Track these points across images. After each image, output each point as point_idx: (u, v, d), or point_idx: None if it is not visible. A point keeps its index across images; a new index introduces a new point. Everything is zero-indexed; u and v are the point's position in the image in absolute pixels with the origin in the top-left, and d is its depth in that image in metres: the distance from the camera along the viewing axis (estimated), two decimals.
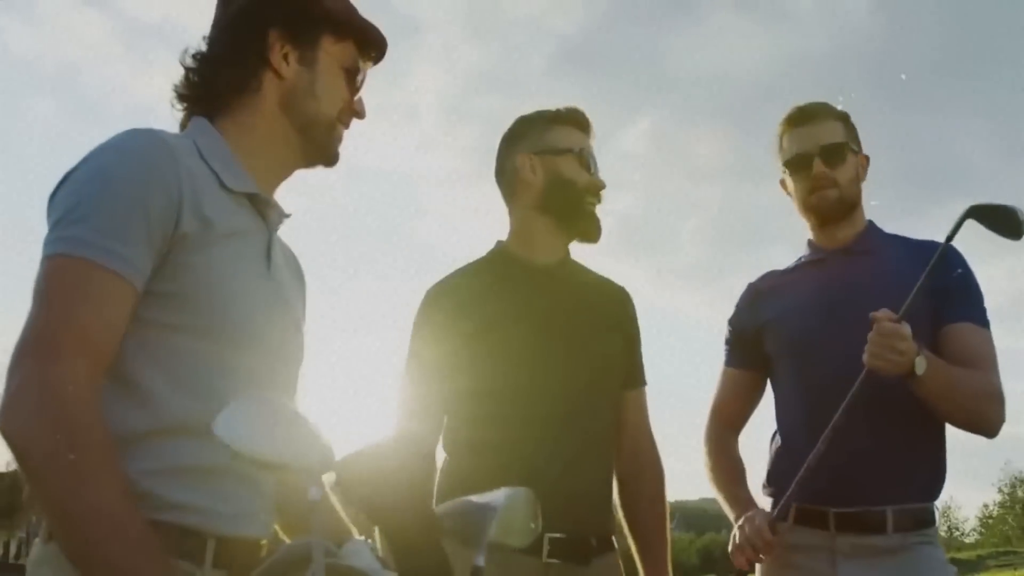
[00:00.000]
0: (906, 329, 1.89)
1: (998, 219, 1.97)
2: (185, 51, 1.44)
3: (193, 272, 1.25)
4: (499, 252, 2.15)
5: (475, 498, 1.00)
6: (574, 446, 1.95)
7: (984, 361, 2.05)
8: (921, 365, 1.90)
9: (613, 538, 2.06)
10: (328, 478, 0.92)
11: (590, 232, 2.10)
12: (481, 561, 0.93)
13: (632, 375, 2.16)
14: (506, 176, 2.14)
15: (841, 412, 1.95)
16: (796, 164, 2.19)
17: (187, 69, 1.44)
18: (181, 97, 1.45)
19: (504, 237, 2.17)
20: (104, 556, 1.07)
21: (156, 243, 1.21)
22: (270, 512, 1.38)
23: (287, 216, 1.47)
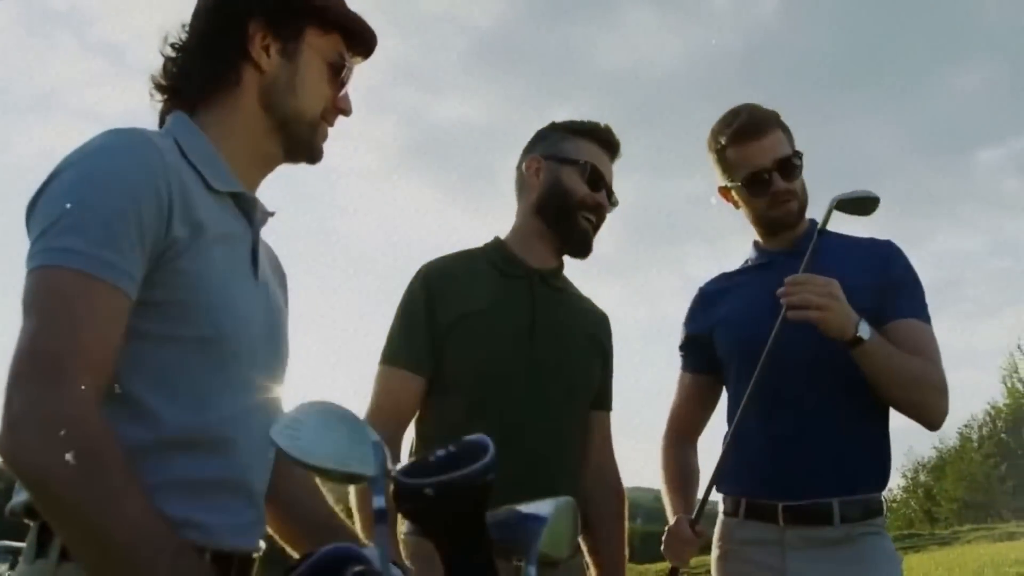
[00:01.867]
0: (819, 278, 1.94)
1: (857, 205, 2.09)
2: (164, 39, 1.36)
3: (184, 280, 1.19)
4: (496, 247, 2.14)
5: (522, 508, 0.99)
6: (548, 447, 1.93)
7: (930, 354, 2.07)
8: (866, 330, 1.93)
9: (579, 540, 2.06)
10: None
11: (579, 246, 2.10)
12: (533, 572, 0.93)
13: (603, 397, 2.17)
14: (518, 173, 2.16)
15: (761, 365, 1.99)
16: (753, 181, 2.16)
17: (165, 59, 1.36)
18: (159, 88, 1.37)
19: (501, 233, 2.17)
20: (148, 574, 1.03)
21: (147, 250, 1.15)
22: (263, 525, 1.34)
23: (271, 214, 1.41)
